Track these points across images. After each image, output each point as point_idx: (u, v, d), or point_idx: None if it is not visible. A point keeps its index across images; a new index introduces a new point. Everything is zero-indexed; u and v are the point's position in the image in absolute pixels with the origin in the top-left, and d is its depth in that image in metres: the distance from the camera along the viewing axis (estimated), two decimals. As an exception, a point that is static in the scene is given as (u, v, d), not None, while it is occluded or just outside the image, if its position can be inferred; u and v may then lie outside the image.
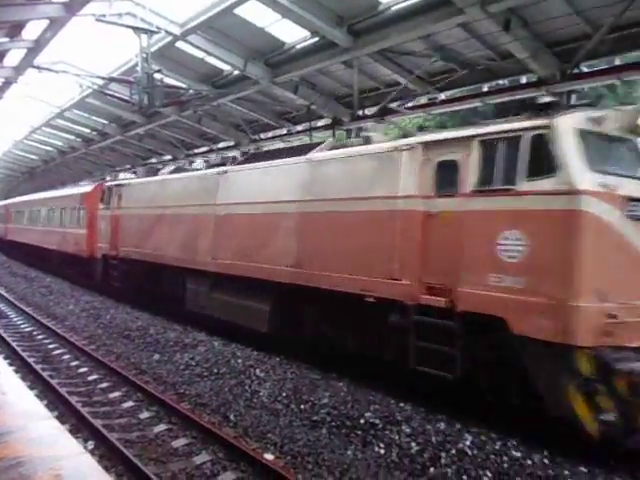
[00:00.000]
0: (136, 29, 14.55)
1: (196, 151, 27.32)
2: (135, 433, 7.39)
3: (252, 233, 11.58)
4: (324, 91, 17.03)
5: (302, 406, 8.28)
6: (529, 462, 6.45)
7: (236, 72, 16.74)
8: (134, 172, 27.86)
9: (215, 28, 14.57)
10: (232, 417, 7.92)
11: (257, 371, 9.98)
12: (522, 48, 11.36)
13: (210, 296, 13.12)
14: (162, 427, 7.58)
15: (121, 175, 30.66)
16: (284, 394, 8.77)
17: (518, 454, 6.65)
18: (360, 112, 17.02)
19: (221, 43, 15.10)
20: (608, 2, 9.89)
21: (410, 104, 16.44)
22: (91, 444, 6.94)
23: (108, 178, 29.82)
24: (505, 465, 6.41)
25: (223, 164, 14.58)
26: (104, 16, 13.91)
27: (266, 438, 7.20)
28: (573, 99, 12.12)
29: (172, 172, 17.65)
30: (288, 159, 11.31)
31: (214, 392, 9.02)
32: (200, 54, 16.29)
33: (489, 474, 6.22)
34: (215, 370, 10.19)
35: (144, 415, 8.06)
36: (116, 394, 9.02)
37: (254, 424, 7.65)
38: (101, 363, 10.63)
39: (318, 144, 11.46)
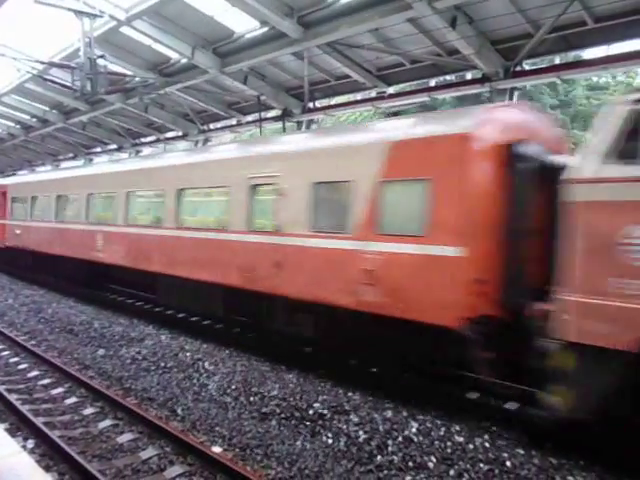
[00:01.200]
0: (78, 12, 14.00)
1: (143, 140, 26.65)
2: (78, 430, 7.20)
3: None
4: (274, 82, 16.94)
5: (251, 398, 8.27)
6: (471, 446, 6.69)
7: (184, 60, 16.42)
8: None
9: (162, 14, 14.24)
10: (180, 411, 7.83)
11: (206, 364, 9.90)
12: (467, 45, 11.65)
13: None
14: (107, 423, 7.42)
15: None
16: (233, 387, 8.74)
17: (461, 439, 6.89)
18: (311, 104, 17.04)
19: (168, 30, 14.77)
20: (548, 2, 10.26)
21: (359, 97, 16.63)
22: (31, 443, 6.72)
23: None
24: (449, 450, 6.62)
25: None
26: (44, -3, 13.33)
27: (214, 431, 7.17)
28: (515, 96, 12.55)
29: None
30: None
31: (161, 386, 8.89)
32: (146, 40, 15.88)
33: (434, 459, 6.41)
34: (162, 364, 10.03)
35: (88, 411, 7.86)
36: (58, 390, 8.75)
37: (202, 417, 7.60)
38: (42, 359, 10.27)
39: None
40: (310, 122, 18.05)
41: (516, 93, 12.81)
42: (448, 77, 14.88)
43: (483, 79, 12.66)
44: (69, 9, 13.86)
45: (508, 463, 6.28)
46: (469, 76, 14.04)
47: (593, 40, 11.24)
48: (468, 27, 11.42)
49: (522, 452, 6.55)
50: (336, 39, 13.02)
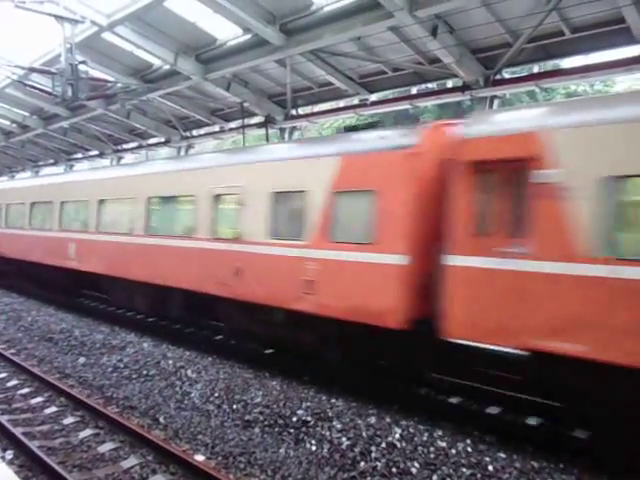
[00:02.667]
0: (59, 18, 13.89)
1: (125, 147, 26.44)
2: (58, 440, 7.10)
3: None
4: (257, 89, 16.96)
5: (234, 406, 8.24)
6: (454, 451, 6.74)
7: (166, 67, 16.35)
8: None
9: (144, 20, 14.18)
10: (162, 419, 7.77)
11: (188, 372, 9.83)
12: (448, 53, 11.80)
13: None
14: (88, 432, 7.33)
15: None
16: (216, 394, 8.70)
17: (444, 444, 6.93)
18: (293, 111, 17.08)
19: (150, 36, 14.71)
20: (526, 12, 10.44)
21: (342, 104, 16.72)
22: (10, 454, 6.61)
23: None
24: (432, 455, 6.66)
25: None
26: (24, 2, 13.20)
27: (197, 439, 7.12)
28: (495, 104, 12.73)
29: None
30: None
31: (143, 394, 8.81)
32: (128, 46, 15.78)
33: (417, 465, 6.44)
34: (144, 372, 9.95)
35: (68, 420, 7.76)
36: (38, 400, 8.62)
37: (185, 426, 7.55)
38: (21, 368, 10.11)
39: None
40: (293, 129, 18.10)
41: (496, 101, 12.98)
42: (430, 85, 15.03)
43: (464, 87, 12.82)
44: (50, 14, 13.75)
45: (490, 467, 6.34)
46: (450, 84, 14.22)
47: (571, 49, 11.45)
48: (449, 36, 11.55)
49: (503, 456, 6.61)
50: (319, 47, 13.09)
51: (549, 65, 14.53)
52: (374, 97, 15.46)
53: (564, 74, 12.17)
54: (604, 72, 11.47)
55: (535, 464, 6.40)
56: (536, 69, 13.00)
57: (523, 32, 10.87)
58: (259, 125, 18.22)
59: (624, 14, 9.82)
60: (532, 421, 7.32)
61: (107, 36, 15.30)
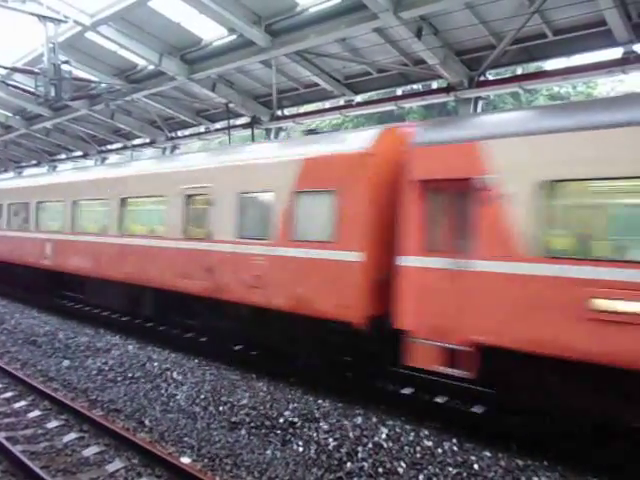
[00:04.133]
0: (41, 17, 13.74)
1: (109, 147, 26.22)
2: (42, 444, 7.02)
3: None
4: (242, 90, 16.93)
5: (221, 408, 8.21)
6: (440, 450, 6.78)
7: (151, 67, 16.26)
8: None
9: (128, 20, 14.10)
10: (147, 422, 7.71)
11: (174, 374, 9.78)
12: (433, 55, 11.87)
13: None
14: (72, 436, 7.25)
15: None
16: (202, 396, 8.66)
17: (430, 443, 6.97)
18: (279, 112, 17.08)
19: (134, 36, 14.62)
20: (509, 14, 10.54)
21: (328, 105, 16.76)
22: (-8, 458, 6.53)
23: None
24: (418, 455, 6.69)
25: None
26: (6, 1, 13.06)
27: (183, 442, 7.08)
28: (480, 105, 12.84)
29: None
30: None
31: (128, 397, 8.74)
32: (112, 46, 15.68)
33: (404, 464, 6.47)
34: (130, 374, 9.88)
35: (52, 424, 7.67)
36: (21, 404, 8.51)
37: (171, 428, 7.50)
38: (5, 371, 9.98)
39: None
40: (279, 130, 18.09)
41: (480, 102, 13.09)
42: (415, 86, 15.11)
43: (448, 88, 12.90)
44: (32, 14, 13.60)
45: (476, 466, 6.38)
46: (435, 85, 14.30)
47: (553, 52, 11.58)
48: (433, 38, 11.63)
49: (489, 454, 6.66)
50: (304, 48, 13.10)
51: (532, 67, 14.69)
52: (359, 98, 15.51)
53: (547, 76, 12.32)
54: (586, 74, 11.62)
55: (520, 462, 6.47)
56: (519, 71, 13.15)
57: (506, 34, 10.98)
58: (245, 126, 18.19)
59: (605, 17, 9.96)
60: (516, 419, 7.39)
61: (91, 36, 15.19)
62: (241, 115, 18.07)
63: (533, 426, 6.93)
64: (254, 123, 17.50)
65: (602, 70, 11.13)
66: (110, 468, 6.34)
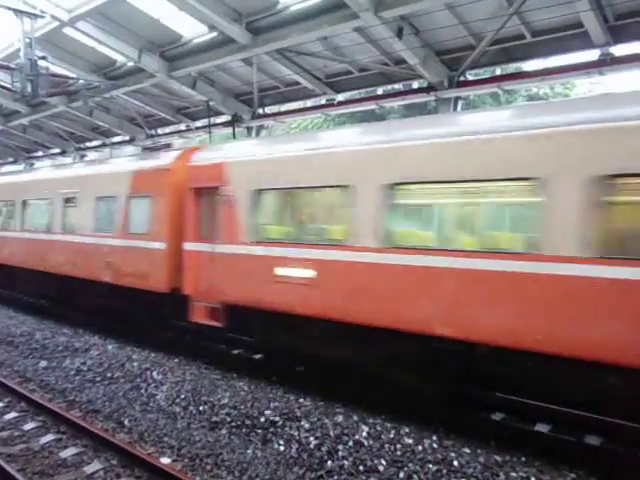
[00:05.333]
0: (17, 11, 13.49)
1: (88, 145, 25.87)
2: (18, 446, 6.91)
3: None
4: (223, 87, 16.84)
5: (201, 407, 8.16)
6: (420, 448, 6.82)
7: (130, 63, 16.08)
8: None
9: (106, 16, 13.92)
10: (127, 422, 7.64)
11: (154, 373, 9.70)
12: (413, 55, 11.94)
13: None
14: (49, 437, 7.15)
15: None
16: (182, 396, 8.60)
17: (410, 441, 7.01)
18: (260, 110, 17.02)
19: (113, 32, 14.44)
20: (489, 15, 10.65)
21: (309, 104, 16.74)
22: (-33, 461, 6.40)
23: None
24: (399, 452, 6.73)
25: None
26: (-20, -5, 12.80)
27: (163, 442, 7.03)
28: (460, 105, 12.95)
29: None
30: None
31: (107, 397, 8.65)
32: (91, 42, 15.46)
33: (384, 462, 6.50)
34: (109, 374, 9.77)
35: (29, 426, 7.55)
36: (-3, 406, 8.37)
37: (150, 428, 7.44)
38: (-21, 373, 9.80)
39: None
40: (260, 128, 18.03)
41: (460, 102, 13.20)
42: (396, 86, 15.17)
43: (428, 88, 12.99)
44: (8, 8, 13.35)
45: (455, 463, 6.44)
46: (415, 85, 14.38)
47: (531, 53, 11.72)
48: (414, 38, 11.70)
49: (468, 451, 6.73)
50: (285, 46, 13.07)
51: (512, 68, 14.85)
52: (341, 97, 15.52)
53: (525, 77, 12.47)
54: (563, 75, 11.80)
55: (498, 458, 6.54)
56: (499, 71, 13.27)
57: (486, 35, 11.09)
58: (226, 124, 18.10)
59: (582, 19, 10.11)
60: (496, 417, 7.48)
61: (68, 31, 14.98)
62: (222, 113, 17.97)
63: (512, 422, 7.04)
64: (235, 121, 17.41)
65: (579, 71, 11.32)
66: (88, 470, 6.26)
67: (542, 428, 6.97)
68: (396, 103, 15.04)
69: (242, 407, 8.08)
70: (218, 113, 17.96)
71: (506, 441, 6.86)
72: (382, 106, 15.41)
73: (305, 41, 12.73)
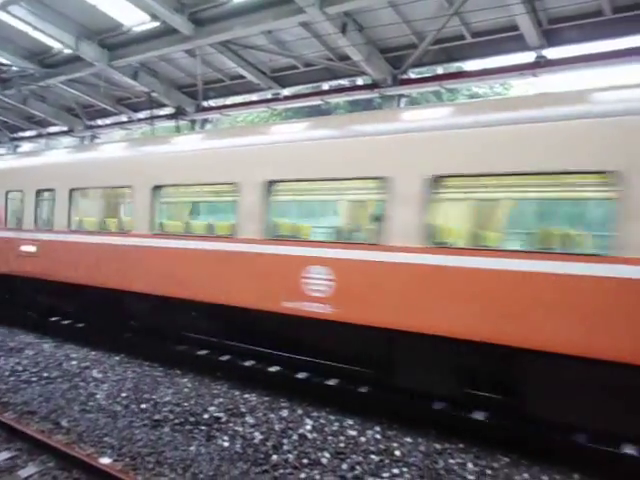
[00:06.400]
0: (-58, -7, 12.73)
1: (22, 135, 24.71)
2: (-54, 453, 6.57)
3: None
4: (166, 79, 16.47)
5: (143, 405, 8.00)
6: (363, 439, 6.95)
7: (68, 51, 15.46)
8: None
9: (40, 0, 13.32)
10: (65, 423, 7.40)
11: (94, 372, 9.43)
12: (357, 51, 12.06)
13: None
14: (-20, 442, 6.83)
15: None
16: (124, 394, 8.41)
17: (354, 432, 7.14)
18: (205, 103, 16.75)
19: (48, 17, 13.85)
20: (430, 15, 10.89)
21: (255, 98, 16.62)
22: None
23: None
24: (342, 444, 6.83)
25: None
26: None
27: (103, 442, 6.85)
28: (403, 103, 13.19)
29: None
30: None
31: (44, 398, 8.33)
32: (24, 27, 14.75)
33: (328, 455, 6.58)
34: (45, 374, 9.41)
35: (-42, 431, 7.19)
36: None
37: (90, 428, 7.23)
38: None
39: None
40: (205, 121, 17.76)
41: (404, 100, 13.45)
42: (342, 82, 15.29)
43: (373, 85, 13.16)
44: None
45: (397, 452, 6.61)
46: (360, 82, 14.53)
47: (471, 53, 12.07)
48: (358, 34, 11.82)
49: (410, 440, 6.92)
50: (229, 39, 12.92)
51: (454, 67, 15.24)
52: (287, 92, 15.50)
53: (465, 76, 12.84)
54: (500, 76, 12.22)
55: (438, 446, 6.76)
56: (441, 70, 13.59)
57: (428, 34, 11.33)
58: (169, 116, 17.70)
59: (518, 22, 10.50)
60: (437, 405, 7.71)
61: (1, 16, 14.24)
62: (165, 105, 17.57)
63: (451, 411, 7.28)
64: (179, 114, 17.07)
65: (515, 73, 11.74)
66: (23, 474, 6.03)
67: (479, 416, 7.24)
68: (341, 99, 15.15)
69: (185, 404, 7.99)
70: (161, 105, 17.55)
71: (446, 429, 7.10)
72: (328, 102, 15.48)
73: (250, 34, 12.64)
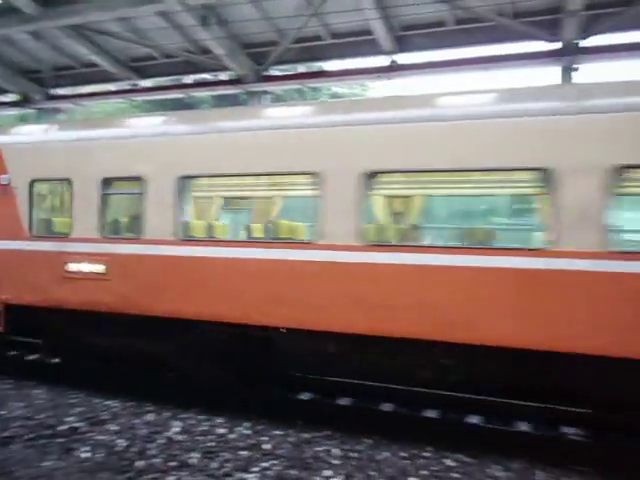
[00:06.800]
0: None
1: None
2: None
3: None
4: (9, 62, 14.96)
5: (-12, 424, 7.28)
6: (232, 436, 6.96)
7: None
8: None
9: None
10: None
11: None
12: (219, 45, 11.91)
13: None
14: None
15: None
16: (-37, 413, 7.57)
17: (223, 430, 7.12)
18: (54, 91, 15.51)
19: None
20: (291, 14, 11.09)
21: (113, 88, 15.72)
22: None
23: None
24: (212, 443, 6.78)
25: None
26: None
27: (-62, 470, 6.12)
28: (268, 99, 13.30)
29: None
30: None
31: None
32: None
33: (197, 455, 6.49)
34: None
35: None
36: None
37: None
38: None
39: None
40: (55, 111, 16.42)
41: (269, 96, 13.55)
42: (207, 76, 15.00)
43: (236, 81, 13.09)
44: None
45: (267, 446, 6.70)
46: (224, 77, 14.38)
47: (330, 54, 12.49)
48: (220, 28, 11.67)
49: (279, 433, 7.05)
50: (80, 23, 12.07)
51: (315, 66, 15.67)
52: (147, 83, 14.86)
53: (324, 76, 13.28)
54: (357, 77, 12.82)
55: (307, 435, 6.97)
56: (302, 69, 13.91)
57: (289, 32, 11.52)
58: (13, 104, 16.13)
59: (372, 27, 11.07)
60: (304, 396, 7.93)
61: None
62: (8, 91, 15.96)
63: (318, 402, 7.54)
64: (25, 102, 15.61)
65: (371, 75, 12.37)
66: None
67: (344, 402, 7.59)
68: (205, 93, 14.88)
69: (39, 417, 7.40)
70: (3, 91, 15.93)
71: (314, 419, 7.34)
72: (192, 95, 15.11)
73: (103, 19, 11.91)
